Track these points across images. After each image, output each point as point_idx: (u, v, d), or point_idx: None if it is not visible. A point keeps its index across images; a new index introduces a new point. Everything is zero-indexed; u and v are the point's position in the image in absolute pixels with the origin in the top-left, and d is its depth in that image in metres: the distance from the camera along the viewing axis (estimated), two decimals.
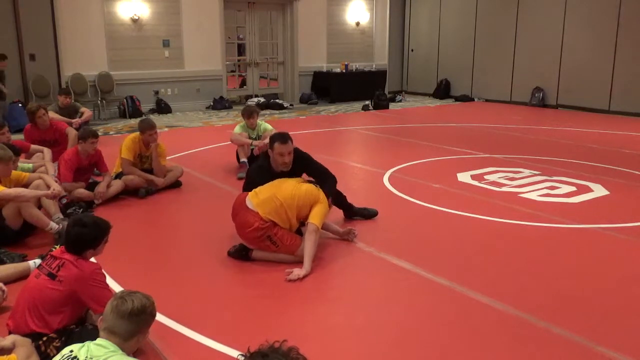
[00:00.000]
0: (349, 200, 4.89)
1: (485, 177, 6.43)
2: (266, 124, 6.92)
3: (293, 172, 4.34)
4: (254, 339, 3.01)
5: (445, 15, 14.91)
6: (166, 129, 9.69)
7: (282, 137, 4.27)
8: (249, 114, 6.68)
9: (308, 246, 3.83)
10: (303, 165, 4.44)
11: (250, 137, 6.68)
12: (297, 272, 3.72)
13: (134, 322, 2.19)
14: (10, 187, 4.26)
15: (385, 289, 3.71)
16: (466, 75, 14.51)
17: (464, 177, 6.43)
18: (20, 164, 4.84)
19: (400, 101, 14.05)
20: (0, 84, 8.65)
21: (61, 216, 4.62)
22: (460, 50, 14.49)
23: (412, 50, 16.00)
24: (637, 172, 6.70)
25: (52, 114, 6.85)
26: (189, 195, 5.88)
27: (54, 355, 2.44)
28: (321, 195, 4.05)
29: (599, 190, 5.89)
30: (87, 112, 7.78)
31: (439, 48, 15.17)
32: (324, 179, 4.37)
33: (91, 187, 5.45)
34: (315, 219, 3.93)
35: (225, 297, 3.56)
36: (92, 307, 2.84)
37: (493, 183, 6.16)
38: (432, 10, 15.22)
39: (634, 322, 3.23)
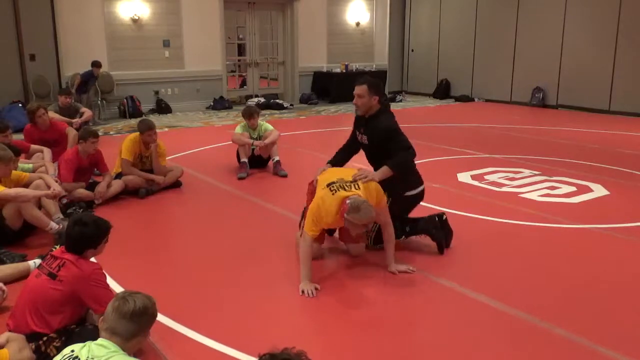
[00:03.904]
0: None
1: (486, 177, 6.43)
2: (267, 124, 6.92)
3: (371, 133, 4.11)
4: (254, 338, 3.02)
5: (445, 16, 14.90)
6: (166, 129, 9.69)
7: (358, 79, 4.12)
8: (250, 115, 6.68)
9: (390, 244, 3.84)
10: (383, 136, 4.05)
11: (251, 137, 6.68)
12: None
13: (136, 323, 2.19)
14: (10, 187, 4.25)
15: (383, 288, 3.71)
16: (466, 76, 14.50)
17: (464, 177, 6.43)
18: (20, 164, 4.83)
19: (400, 101, 14.05)
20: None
21: (61, 216, 4.62)
22: (461, 51, 14.49)
23: (412, 51, 15.99)
24: (637, 172, 6.71)
25: (52, 114, 6.87)
26: (189, 195, 5.87)
27: (54, 355, 2.44)
28: (378, 196, 3.71)
29: (599, 191, 5.89)
30: (87, 112, 7.78)
31: (439, 48, 15.17)
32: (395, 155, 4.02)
33: (91, 187, 5.45)
34: (385, 220, 3.82)
35: (225, 297, 3.56)
36: (92, 307, 2.84)
37: (493, 183, 6.16)
38: (432, 10, 15.22)
39: (634, 322, 3.23)
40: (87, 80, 9.99)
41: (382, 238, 3.98)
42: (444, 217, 4.22)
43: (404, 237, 4.16)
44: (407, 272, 3.82)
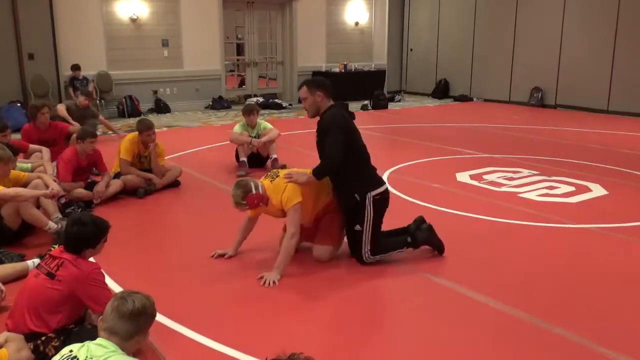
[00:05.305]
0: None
1: (484, 177, 6.43)
2: (266, 123, 6.93)
3: (318, 132, 3.96)
4: (253, 338, 3.02)
5: (444, 15, 14.91)
6: (165, 129, 9.68)
7: (303, 82, 4.03)
8: (249, 111, 6.71)
9: (281, 251, 3.79)
10: (322, 133, 3.91)
11: (250, 136, 6.69)
12: (268, 277, 3.68)
13: (135, 323, 2.18)
14: (9, 187, 4.24)
15: (382, 289, 3.71)
16: (465, 75, 14.51)
17: (463, 177, 6.43)
18: (18, 164, 4.83)
19: (399, 101, 14.05)
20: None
21: (60, 216, 4.61)
22: (459, 50, 14.49)
23: (411, 50, 16.00)
24: (635, 172, 6.71)
25: (61, 107, 7.39)
26: (187, 194, 5.87)
27: (52, 355, 2.44)
28: (284, 196, 3.78)
29: (597, 190, 5.90)
30: (106, 124, 8.22)
31: (437, 48, 15.17)
32: (321, 158, 3.92)
33: (90, 186, 5.44)
34: (288, 223, 3.82)
35: (224, 297, 3.56)
36: (91, 307, 2.84)
37: (492, 183, 6.16)
38: (431, 10, 15.22)
39: (633, 321, 3.23)
40: (74, 85, 10.21)
41: (378, 251, 3.92)
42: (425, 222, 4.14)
43: (405, 247, 4.04)
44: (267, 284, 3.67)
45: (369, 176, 3.95)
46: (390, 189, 5.80)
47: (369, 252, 3.91)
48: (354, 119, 4.04)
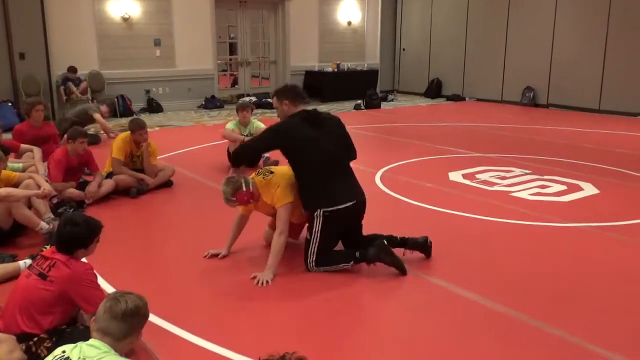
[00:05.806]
0: None
1: (477, 176, 6.45)
2: (258, 122, 6.92)
3: None
4: (246, 338, 3.02)
5: (436, 15, 14.94)
6: (157, 129, 9.65)
7: (274, 92, 4.12)
8: (244, 108, 6.77)
9: (272, 251, 3.80)
10: None
11: (242, 135, 6.68)
12: (261, 277, 3.68)
13: (128, 323, 2.17)
14: (0, 187, 4.22)
15: (375, 288, 3.71)
16: (457, 75, 14.54)
17: (456, 176, 6.45)
18: (9, 164, 4.80)
19: (391, 100, 14.07)
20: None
21: (52, 216, 4.58)
22: (452, 50, 14.52)
23: (403, 50, 16.02)
24: (627, 171, 6.76)
25: (99, 117, 8.17)
26: (180, 194, 5.86)
27: (45, 356, 2.43)
28: (276, 195, 3.82)
29: (589, 189, 5.93)
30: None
31: (430, 47, 15.20)
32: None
33: (82, 186, 5.41)
34: (277, 221, 3.87)
35: (217, 297, 3.56)
36: (83, 307, 2.82)
37: (484, 182, 6.18)
38: (423, 9, 15.25)
39: (624, 319, 3.25)
40: (65, 85, 10.30)
41: (321, 263, 3.84)
42: (385, 241, 3.95)
43: (353, 262, 3.83)
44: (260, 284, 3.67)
45: (324, 192, 3.81)
46: (382, 188, 5.87)
47: (314, 263, 3.85)
48: (322, 124, 3.94)
